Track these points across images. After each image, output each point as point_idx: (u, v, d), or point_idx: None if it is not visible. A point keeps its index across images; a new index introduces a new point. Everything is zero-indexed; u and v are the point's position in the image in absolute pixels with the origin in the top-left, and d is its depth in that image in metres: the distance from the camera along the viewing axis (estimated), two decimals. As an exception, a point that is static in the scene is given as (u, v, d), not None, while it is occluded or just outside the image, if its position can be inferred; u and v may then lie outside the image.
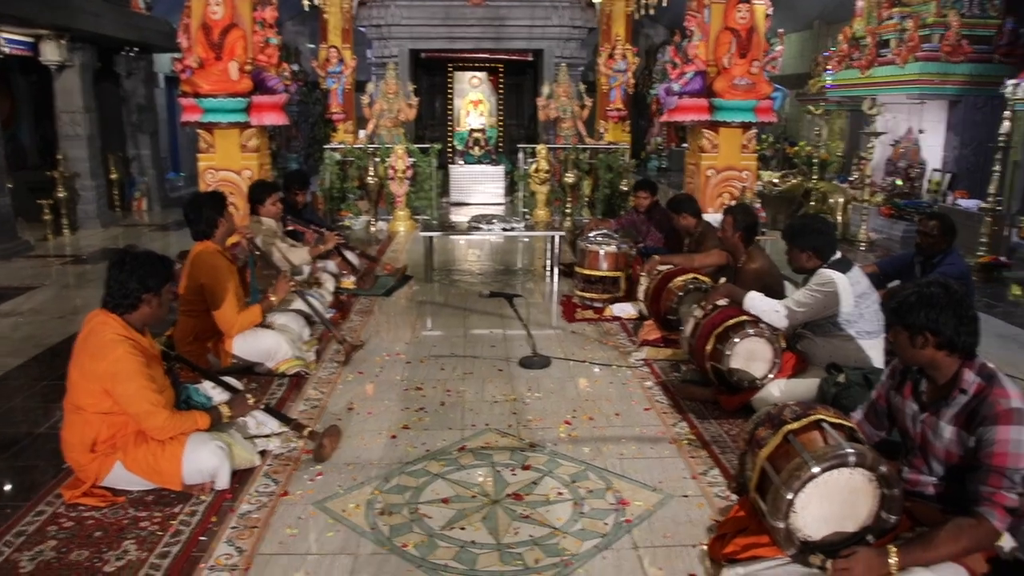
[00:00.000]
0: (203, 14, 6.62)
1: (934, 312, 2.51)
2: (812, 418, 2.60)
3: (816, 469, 2.40)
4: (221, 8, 6.56)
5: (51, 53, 9.73)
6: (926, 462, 2.64)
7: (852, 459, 2.42)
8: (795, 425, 2.59)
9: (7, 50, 9.13)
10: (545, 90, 12.24)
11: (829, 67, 11.86)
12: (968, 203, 8.86)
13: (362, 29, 13.44)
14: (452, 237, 7.86)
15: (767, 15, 7.15)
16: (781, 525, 2.45)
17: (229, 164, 7.03)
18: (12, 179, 9.33)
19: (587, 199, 10.92)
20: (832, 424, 2.59)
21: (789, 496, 2.42)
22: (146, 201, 12.20)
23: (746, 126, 7.34)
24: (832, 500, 2.47)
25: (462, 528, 2.97)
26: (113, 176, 11.54)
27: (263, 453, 3.58)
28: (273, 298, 4.71)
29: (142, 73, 11.99)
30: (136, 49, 11.53)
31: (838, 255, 3.97)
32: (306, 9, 8.99)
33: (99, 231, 10.34)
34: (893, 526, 2.49)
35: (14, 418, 4.15)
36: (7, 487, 3.39)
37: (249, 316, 4.56)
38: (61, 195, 9.85)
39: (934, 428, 2.58)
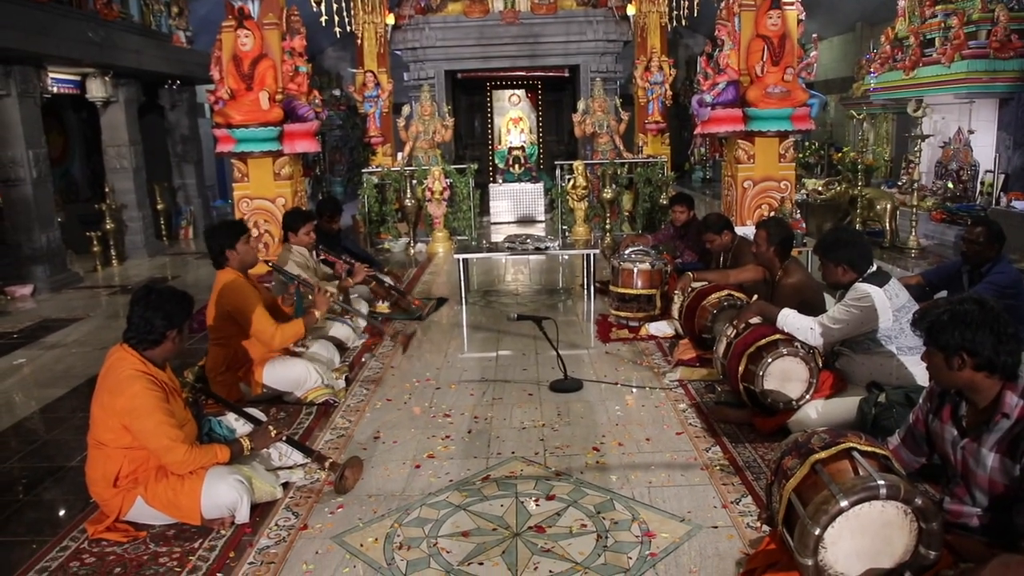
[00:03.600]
0: (233, 46, 6.73)
1: (969, 331, 2.35)
2: (842, 446, 2.46)
3: (844, 503, 2.26)
4: (250, 40, 6.66)
5: (96, 90, 9.99)
6: (969, 491, 2.47)
7: (883, 491, 2.26)
8: (823, 454, 2.45)
9: (55, 89, 9.41)
10: (580, 106, 12.15)
11: (872, 70, 11.53)
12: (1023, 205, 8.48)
13: (398, 52, 13.55)
14: (489, 258, 7.81)
15: (800, 20, 6.97)
16: (809, 562, 2.31)
17: (263, 192, 7.10)
18: (65, 212, 9.60)
19: (628, 214, 10.78)
20: (863, 453, 2.44)
21: (816, 532, 2.27)
22: (192, 229, 12.44)
23: (782, 135, 7.15)
24: (864, 535, 2.31)
25: (480, 563, 2.88)
26: (160, 206, 11.80)
27: (286, 485, 3.55)
28: (317, 313, 4.73)
29: (185, 105, 12.26)
30: (178, 82, 11.80)
31: (874, 267, 3.80)
32: (338, 37, 9.06)
33: (146, 260, 10.57)
34: (933, 562, 2.32)
35: (49, 451, 4.21)
36: (35, 522, 3.41)
37: (292, 329, 4.56)
38: (109, 227, 10.09)
39: (975, 455, 2.41)
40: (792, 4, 6.95)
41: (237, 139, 6.85)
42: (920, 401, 2.74)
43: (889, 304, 3.67)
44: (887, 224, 9.14)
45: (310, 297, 4.91)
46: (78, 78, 9.89)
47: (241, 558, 3.00)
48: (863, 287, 3.70)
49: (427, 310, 5.84)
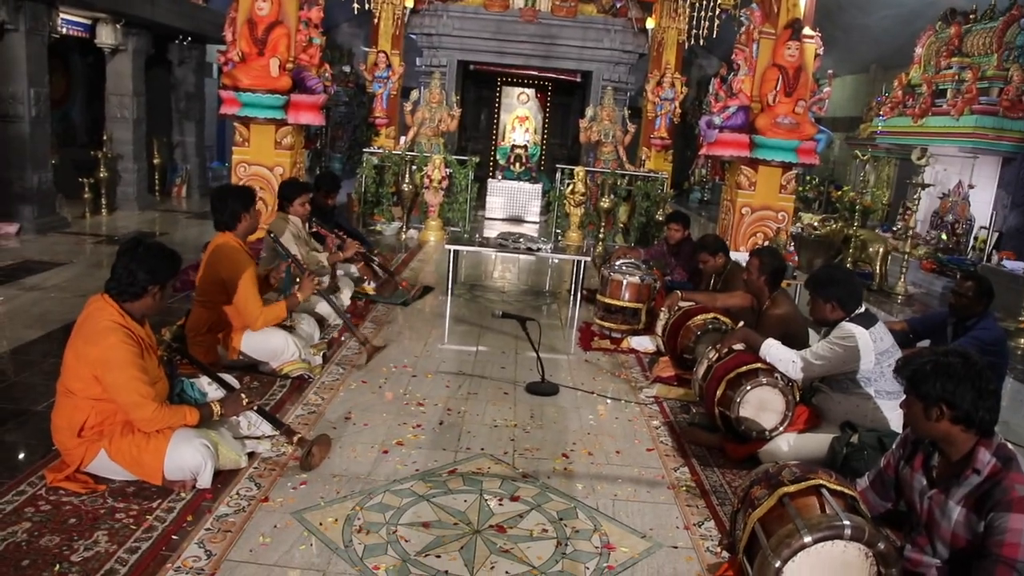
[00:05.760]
0: (250, 9, 6.67)
1: (951, 383, 2.35)
2: (811, 482, 2.46)
3: (808, 539, 2.26)
4: (267, 5, 6.60)
5: (106, 36, 9.91)
6: (931, 542, 2.47)
7: (848, 532, 2.27)
8: (792, 488, 2.45)
9: (64, 30, 9.30)
10: (589, 112, 12.18)
11: (881, 113, 11.60)
12: (1014, 265, 8.55)
13: (413, 36, 13.50)
14: (480, 252, 7.80)
15: (817, 55, 6.98)
16: (766, 593, 2.31)
17: (262, 159, 7.05)
18: (60, 155, 9.49)
19: (622, 225, 10.78)
20: (832, 491, 2.44)
21: (777, 564, 2.28)
22: (186, 188, 12.34)
23: (786, 166, 7.16)
24: (824, 572, 2.32)
25: (438, 556, 2.87)
26: (156, 160, 11.71)
27: (251, 455, 3.52)
28: (299, 295, 4.71)
29: (193, 62, 12.16)
30: (190, 38, 11.70)
31: (863, 309, 3.81)
32: (355, 13, 9.01)
33: (136, 213, 10.48)
34: (887, 607, 2.33)
35: (15, 393, 4.15)
36: (-6, 463, 3.37)
37: (275, 311, 4.56)
38: (103, 175, 10.00)
39: (942, 507, 2.42)
40: (812, 38, 6.97)
41: (243, 103, 6.78)
42: (893, 447, 2.74)
43: (873, 347, 3.68)
44: (877, 267, 9.20)
45: (298, 280, 4.90)
46: (89, 22, 9.79)
47: (198, 523, 2.97)
48: (849, 327, 3.71)
49: (412, 294, 5.86)
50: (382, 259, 7.27)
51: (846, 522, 2.29)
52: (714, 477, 3.72)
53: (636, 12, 13.37)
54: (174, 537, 2.87)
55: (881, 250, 9.25)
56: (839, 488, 2.48)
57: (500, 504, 3.28)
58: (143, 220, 10.15)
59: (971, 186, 10.19)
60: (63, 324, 5.22)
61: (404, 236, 10.04)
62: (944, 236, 10.31)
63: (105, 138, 10.25)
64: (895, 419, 3.65)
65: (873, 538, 2.28)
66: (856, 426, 3.59)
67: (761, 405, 3.79)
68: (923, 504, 2.51)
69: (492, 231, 9.48)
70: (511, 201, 12.72)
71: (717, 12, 8.42)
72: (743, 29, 7.26)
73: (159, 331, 4.09)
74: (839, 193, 12.27)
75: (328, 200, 6.63)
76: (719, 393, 3.89)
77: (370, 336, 5.61)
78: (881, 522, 2.80)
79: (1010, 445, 2.41)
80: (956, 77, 9.88)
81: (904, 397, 2.54)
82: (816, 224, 9.86)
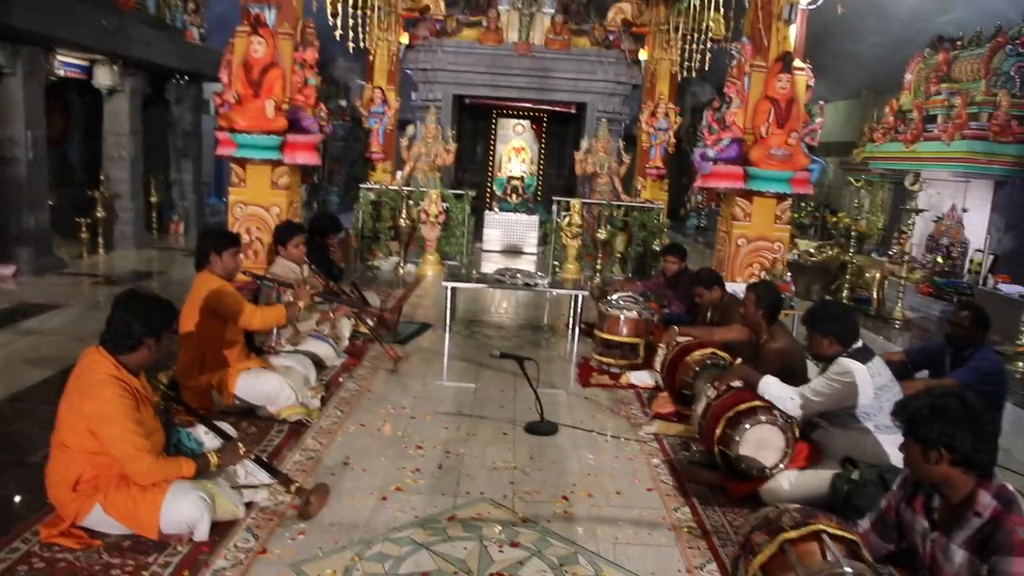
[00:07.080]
0: (245, 51, 6.72)
1: (949, 426, 2.35)
2: (812, 528, 2.44)
3: (810, 588, 2.24)
4: (263, 47, 6.65)
5: (103, 77, 10.00)
6: (935, 585, 2.45)
7: (850, 580, 2.25)
8: (793, 534, 2.43)
9: (62, 72, 9.39)
10: (584, 144, 12.25)
11: (874, 138, 11.68)
12: (1009, 288, 8.56)
13: (408, 72, 13.61)
14: (477, 287, 7.80)
15: (808, 86, 7.04)
16: (769, 643, 2.28)
17: (259, 200, 7.07)
18: (57, 195, 9.54)
19: (619, 256, 10.80)
20: (833, 536, 2.42)
21: (779, 614, 2.25)
22: (183, 225, 12.38)
23: (781, 197, 7.20)
24: (827, 621, 2.29)
25: (437, 608, 2.84)
26: (153, 199, 11.75)
27: (249, 505, 3.49)
28: (300, 303, 4.85)
29: (191, 100, 12.25)
30: (186, 77, 11.80)
31: (860, 344, 3.81)
32: (351, 50, 9.08)
33: (133, 252, 10.50)
34: (893, 655, 2.30)
35: (11, 443, 4.13)
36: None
37: (272, 313, 4.71)
38: (100, 214, 10.04)
39: (944, 550, 2.40)
40: (803, 70, 7.03)
41: (238, 144, 6.81)
42: (894, 487, 2.73)
43: (871, 382, 3.68)
44: (875, 293, 9.21)
45: (290, 296, 4.96)
46: (86, 63, 9.89)
47: (195, 577, 2.94)
48: (846, 363, 3.71)
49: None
50: (382, 294, 7.29)
51: (848, 569, 2.27)
52: (715, 517, 3.70)
53: (629, 44, 13.50)
54: (171, 593, 2.84)
55: (878, 275, 9.27)
56: (840, 532, 2.46)
57: (500, 551, 3.25)
58: (140, 259, 10.17)
59: (964, 210, 10.24)
60: (61, 369, 5.19)
61: (402, 271, 10.05)
62: (940, 259, 10.33)
63: (102, 177, 10.30)
64: (895, 453, 3.61)
65: (876, 586, 2.26)
66: (857, 462, 3.56)
67: (761, 443, 3.77)
68: (926, 547, 2.49)
69: (490, 263, 9.49)
70: (508, 232, 12.74)
71: (708, 45, 8.50)
72: (734, 63, 7.33)
73: (156, 376, 4.08)
74: (835, 218, 12.32)
75: (329, 241, 6.63)
76: (718, 432, 3.87)
77: (368, 376, 5.59)
78: (887, 561, 2.77)
79: (1010, 486, 2.40)
80: (946, 103, 9.97)
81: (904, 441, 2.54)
82: (812, 250, 9.90)
